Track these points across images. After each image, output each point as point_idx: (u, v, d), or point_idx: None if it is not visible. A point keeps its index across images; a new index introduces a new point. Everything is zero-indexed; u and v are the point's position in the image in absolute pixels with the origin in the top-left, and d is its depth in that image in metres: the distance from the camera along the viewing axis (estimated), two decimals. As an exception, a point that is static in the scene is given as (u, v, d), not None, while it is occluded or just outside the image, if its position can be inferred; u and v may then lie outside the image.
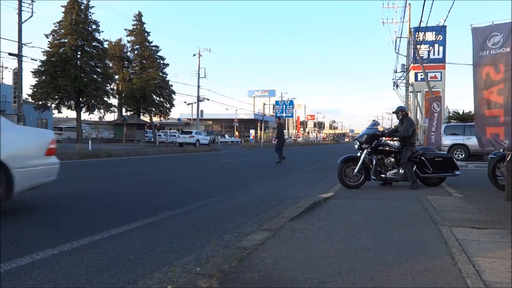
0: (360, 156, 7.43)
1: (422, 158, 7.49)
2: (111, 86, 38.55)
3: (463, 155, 17.21)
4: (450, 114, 27.14)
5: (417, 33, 20.63)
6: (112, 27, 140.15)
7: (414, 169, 7.46)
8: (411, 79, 28.05)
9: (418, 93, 27.33)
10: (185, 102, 46.87)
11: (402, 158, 7.39)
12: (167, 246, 3.57)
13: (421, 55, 23.26)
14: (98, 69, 35.39)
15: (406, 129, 7.56)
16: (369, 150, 7.44)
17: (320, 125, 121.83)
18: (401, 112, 7.86)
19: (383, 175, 7.46)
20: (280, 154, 15.63)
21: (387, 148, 7.60)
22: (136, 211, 5.22)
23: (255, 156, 15.93)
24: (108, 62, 38.93)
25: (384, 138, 7.71)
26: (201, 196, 6.56)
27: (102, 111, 36.66)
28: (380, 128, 8.27)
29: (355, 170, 7.41)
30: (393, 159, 7.51)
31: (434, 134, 14.59)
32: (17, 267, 2.90)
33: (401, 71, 29.69)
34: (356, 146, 7.63)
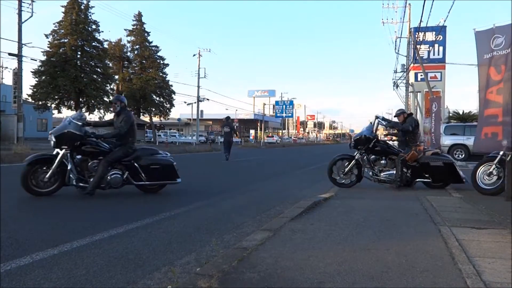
0: (56, 157, 6.05)
1: (136, 164, 6.36)
2: (111, 86, 38.53)
3: (463, 155, 17.20)
4: (450, 114, 27.14)
5: (417, 33, 20.64)
6: (112, 27, 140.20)
7: (126, 175, 6.33)
8: (411, 79, 28.05)
9: (418, 93, 27.33)
10: (185, 102, 46.88)
11: (105, 157, 6.14)
12: (167, 246, 3.57)
13: (421, 55, 23.27)
14: (98, 69, 35.38)
15: (122, 126, 6.31)
16: (68, 151, 6.07)
17: (320, 125, 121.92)
18: (118, 102, 6.57)
19: (81, 183, 6.08)
20: (227, 153, 16.08)
21: (93, 149, 6.20)
22: (136, 211, 5.22)
23: (255, 156, 15.95)
24: (108, 62, 38.90)
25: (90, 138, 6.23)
26: (201, 196, 6.55)
27: (102, 111, 36.64)
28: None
29: (47, 175, 6.02)
30: (98, 162, 6.19)
31: (433, 134, 14.61)
32: (17, 267, 2.90)
33: (401, 71, 29.70)
34: (52, 143, 6.20)
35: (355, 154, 7.59)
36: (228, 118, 17.47)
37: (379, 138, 7.76)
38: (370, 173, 7.57)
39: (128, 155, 6.36)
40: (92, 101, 34.54)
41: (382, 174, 7.47)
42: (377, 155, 7.54)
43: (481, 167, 6.77)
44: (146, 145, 6.48)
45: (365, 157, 7.53)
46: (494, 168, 6.53)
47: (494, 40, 5.70)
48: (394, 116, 8.26)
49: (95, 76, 34.82)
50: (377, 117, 8.03)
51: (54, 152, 6.11)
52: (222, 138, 17.53)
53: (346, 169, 7.53)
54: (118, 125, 6.43)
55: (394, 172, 7.27)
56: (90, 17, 35.17)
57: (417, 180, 7.41)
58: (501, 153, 6.35)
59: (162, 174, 6.54)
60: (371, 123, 8.05)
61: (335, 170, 7.63)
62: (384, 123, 8.12)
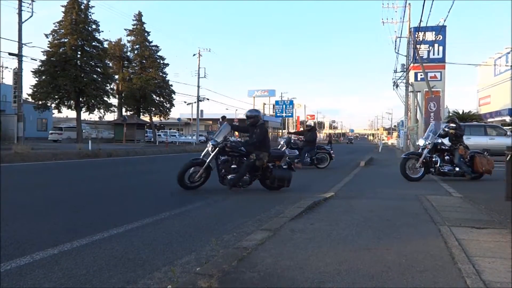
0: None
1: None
2: (111, 86, 38.51)
3: None
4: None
5: (417, 33, 20.65)
6: (112, 27, 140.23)
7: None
8: (411, 79, 28.04)
9: (418, 93, 27.35)
10: (185, 102, 46.81)
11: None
12: (167, 246, 3.57)
13: (421, 55, 23.28)
14: (98, 69, 35.35)
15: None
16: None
17: (320, 125, 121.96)
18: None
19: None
20: None
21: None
22: (136, 211, 5.22)
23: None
24: (108, 62, 38.87)
25: None
26: (201, 196, 6.55)
27: (102, 111, 36.63)
28: None
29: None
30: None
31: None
32: (17, 267, 2.90)
33: (401, 71, 29.66)
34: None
35: None
36: (223, 117, 17.44)
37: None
38: None
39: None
40: (92, 101, 34.54)
41: None
42: None
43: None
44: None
45: None
46: None
47: None
48: None
49: (95, 76, 34.80)
50: None
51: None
52: None
53: None
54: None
55: None
56: (90, 17, 35.15)
57: None
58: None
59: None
60: None
61: None
62: None
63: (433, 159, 9.13)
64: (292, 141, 13.54)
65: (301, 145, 13.19)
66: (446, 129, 9.46)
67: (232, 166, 7.10)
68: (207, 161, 7.04)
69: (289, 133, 16.83)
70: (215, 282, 2.44)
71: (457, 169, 9.09)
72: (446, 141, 9.68)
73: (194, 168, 7.06)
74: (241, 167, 7.01)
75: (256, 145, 7.15)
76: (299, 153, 13.06)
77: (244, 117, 7.99)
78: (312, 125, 14.19)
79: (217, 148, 7.00)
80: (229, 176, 7.02)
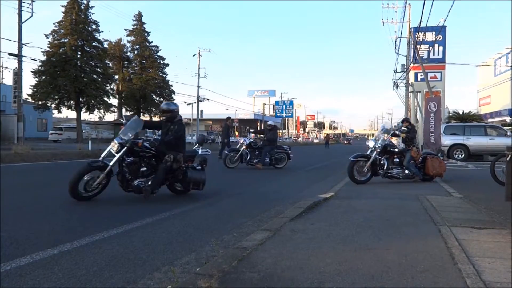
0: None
1: None
2: (111, 86, 38.56)
3: (463, 155, 17.20)
4: (450, 114, 27.14)
5: (417, 33, 20.67)
6: (112, 27, 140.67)
7: None
8: (411, 79, 28.07)
9: (418, 93, 27.37)
10: (185, 102, 46.82)
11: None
12: (167, 246, 3.57)
13: (421, 55, 23.29)
14: (98, 69, 35.41)
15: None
16: None
17: (320, 125, 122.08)
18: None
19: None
20: (220, 153, 15.52)
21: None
22: (136, 211, 5.21)
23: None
24: (108, 62, 38.95)
25: None
26: (201, 196, 6.55)
27: (102, 111, 36.70)
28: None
29: None
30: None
31: (433, 134, 14.60)
32: (17, 267, 2.90)
33: (401, 71, 29.73)
34: None
35: None
36: (227, 118, 17.39)
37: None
38: None
39: None
40: (92, 101, 34.58)
41: None
42: None
43: None
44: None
45: None
46: None
47: None
48: None
49: (95, 76, 34.84)
50: None
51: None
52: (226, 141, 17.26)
53: None
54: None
55: None
56: (90, 17, 35.21)
57: None
58: None
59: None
60: None
61: None
62: None
63: (381, 162, 8.80)
64: (253, 140, 13.30)
65: (261, 145, 12.99)
66: (398, 132, 9.29)
67: (142, 169, 6.02)
68: (111, 163, 5.79)
69: (250, 132, 16.67)
70: (215, 282, 2.44)
71: (406, 171, 8.80)
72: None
73: (92, 173, 5.73)
74: (158, 171, 6.02)
75: (172, 144, 6.17)
76: (259, 152, 12.83)
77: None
78: (273, 124, 14.04)
79: (125, 148, 5.82)
80: (136, 182, 5.94)
